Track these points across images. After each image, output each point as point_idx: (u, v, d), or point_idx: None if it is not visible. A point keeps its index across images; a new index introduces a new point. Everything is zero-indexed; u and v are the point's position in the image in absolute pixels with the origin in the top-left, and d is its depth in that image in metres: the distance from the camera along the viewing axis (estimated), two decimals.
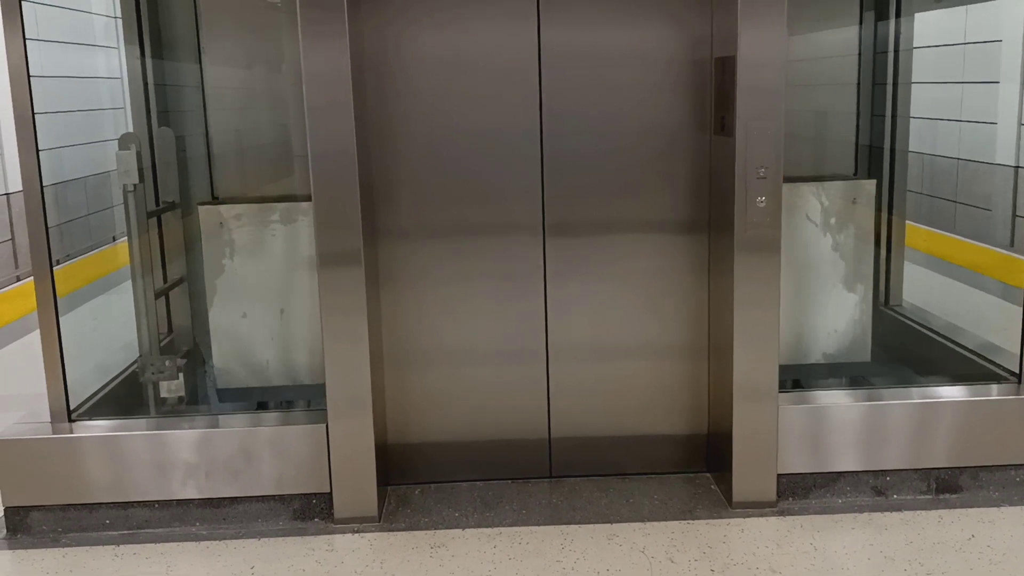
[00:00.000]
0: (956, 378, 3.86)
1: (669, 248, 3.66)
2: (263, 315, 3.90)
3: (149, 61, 4.07)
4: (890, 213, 4.41)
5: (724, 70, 3.34)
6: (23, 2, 3.25)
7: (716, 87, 3.46)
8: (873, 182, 4.11)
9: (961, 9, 6.47)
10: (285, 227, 3.86)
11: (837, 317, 4.07)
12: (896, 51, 4.29)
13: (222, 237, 3.84)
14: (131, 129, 4.04)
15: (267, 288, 3.90)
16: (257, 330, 3.91)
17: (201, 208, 3.87)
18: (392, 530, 3.41)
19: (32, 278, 3.44)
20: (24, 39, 3.27)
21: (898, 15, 4.26)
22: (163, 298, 4.11)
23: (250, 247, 3.86)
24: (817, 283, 4.04)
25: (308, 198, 3.30)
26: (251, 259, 3.87)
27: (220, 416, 3.63)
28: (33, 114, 3.31)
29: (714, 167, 3.53)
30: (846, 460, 3.50)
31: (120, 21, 4.15)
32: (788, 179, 3.40)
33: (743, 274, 3.34)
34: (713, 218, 3.57)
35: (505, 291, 3.67)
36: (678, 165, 3.60)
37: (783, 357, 3.52)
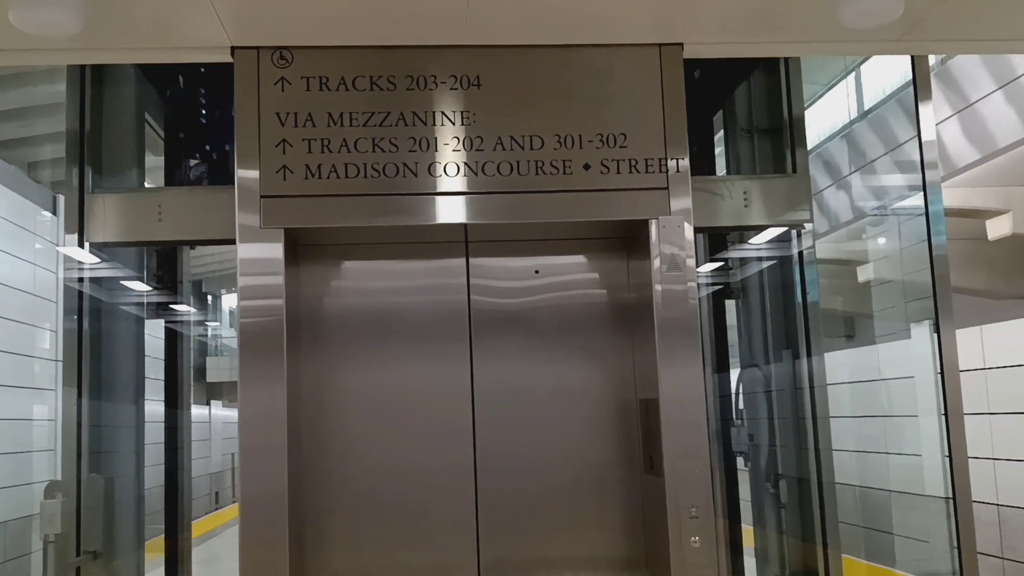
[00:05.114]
0: None
1: None
2: None
3: (86, 402, 4.08)
4: (825, 547, 4.38)
5: (648, 411, 3.46)
6: None
7: (643, 427, 3.56)
8: None
9: (871, 348, 6.91)
10: None
11: None
12: (811, 387, 4.49)
13: None
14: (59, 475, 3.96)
15: None
16: None
17: None
18: None
19: None
20: None
21: (809, 355, 4.51)
22: None
23: None
24: None
25: None
26: None
27: None
28: None
29: (647, 505, 3.54)
30: None
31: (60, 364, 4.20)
32: None
33: None
34: (650, 556, 3.53)
35: None
36: (612, 502, 3.61)
37: None
